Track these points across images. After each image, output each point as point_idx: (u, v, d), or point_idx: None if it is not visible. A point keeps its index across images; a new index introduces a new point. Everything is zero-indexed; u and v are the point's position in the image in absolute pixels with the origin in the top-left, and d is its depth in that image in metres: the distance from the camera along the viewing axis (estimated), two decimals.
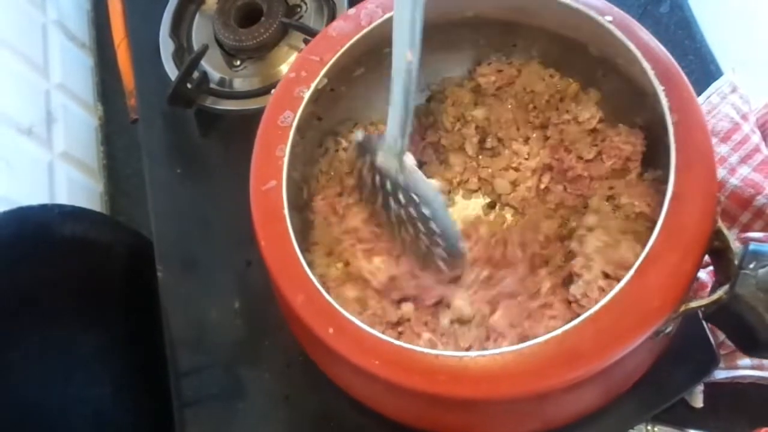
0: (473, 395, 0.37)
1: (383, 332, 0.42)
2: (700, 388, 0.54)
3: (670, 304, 0.37)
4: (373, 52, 0.52)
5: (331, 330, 0.40)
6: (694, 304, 0.38)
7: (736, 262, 0.37)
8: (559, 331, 0.37)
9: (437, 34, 0.53)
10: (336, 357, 0.40)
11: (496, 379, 0.37)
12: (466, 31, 0.55)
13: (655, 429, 0.53)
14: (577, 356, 0.36)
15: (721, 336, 0.55)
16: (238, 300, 0.60)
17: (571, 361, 0.36)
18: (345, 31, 0.50)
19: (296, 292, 0.42)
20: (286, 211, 0.44)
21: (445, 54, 0.57)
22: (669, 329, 0.40)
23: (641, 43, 0.44)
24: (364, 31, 0.49)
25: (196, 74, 0.66)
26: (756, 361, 0.55)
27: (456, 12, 0.53)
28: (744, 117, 0.61)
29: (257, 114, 0.65)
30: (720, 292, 0.37)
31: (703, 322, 0.49)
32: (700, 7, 0.68)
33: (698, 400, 0.55)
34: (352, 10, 0.51)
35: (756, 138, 0.60)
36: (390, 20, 0.43)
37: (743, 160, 0.60)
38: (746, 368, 0.56)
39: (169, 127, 0.69)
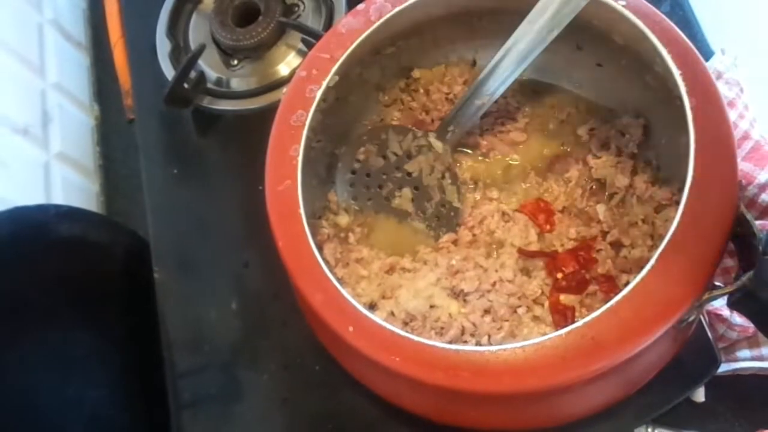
0: (496, 389, 0.37)
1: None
2: None
3: (693, 292, 0.37)
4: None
5: (351, 328, 0.40)
6: (717, 292, 0.38)
7: (760, 248, 0.36)
8: (580, 323, 0.36)
9: None
10: (357, 355, 0.40)
11: (518, 372, 0.36)
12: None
13: (656, 431, 0.53)
14: (600, 347, 0.36)
15: (720, 330, 0.55)
16: (235, 301, 0.59)
17: (594, 352, 0.36)
18: (355, 27, 0.49)
19: (315, 291, 0.42)
20: (302, 211, 0.44)
21: None
22: (692, 317, 0.40)
23: (657, 28, 0.43)
24: (375, 26, 0.49)
25: (193, 74, 0.66)
26: (756, 352, 0.55)
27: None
28: (731, 104, 0.59)
29: (255, 114, 0.66)
30: (744, 279, 0.37)
31: (704, 323, 0.49)
32: (700, 7, 0.68)
33: (700, 395, 0.54)
34: (361, 6, 0.50)
35: (745, 124, 0.59)
36: (399, 15, 0.45)
37: None
38: (746, 360, 0.55)
39: (166, 127, 0.69)
